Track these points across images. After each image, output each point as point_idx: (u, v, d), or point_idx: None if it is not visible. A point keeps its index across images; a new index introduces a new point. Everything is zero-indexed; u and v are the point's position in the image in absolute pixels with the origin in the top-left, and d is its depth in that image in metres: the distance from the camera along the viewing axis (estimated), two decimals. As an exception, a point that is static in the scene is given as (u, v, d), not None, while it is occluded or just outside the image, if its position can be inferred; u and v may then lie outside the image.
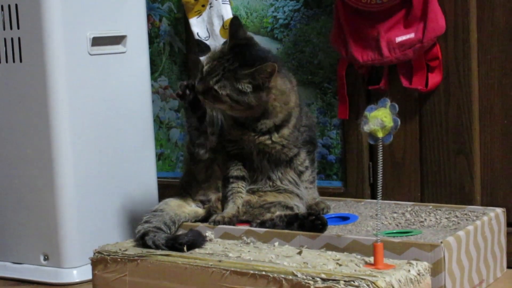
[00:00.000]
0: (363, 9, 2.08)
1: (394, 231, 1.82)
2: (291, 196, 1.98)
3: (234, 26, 1.94)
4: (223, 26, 2.38)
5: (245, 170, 1.99)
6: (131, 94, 2.30)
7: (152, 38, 2.59)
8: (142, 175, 2.33)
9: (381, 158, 1.60)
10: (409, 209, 2.02)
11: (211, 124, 1.98)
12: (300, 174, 2.02)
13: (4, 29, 2.13)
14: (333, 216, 2.00)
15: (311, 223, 1.83)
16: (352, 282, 1.48)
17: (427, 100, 2.12)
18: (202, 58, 2.40)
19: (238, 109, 1.90)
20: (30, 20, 2.09)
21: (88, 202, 2.15)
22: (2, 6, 2.12)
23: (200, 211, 2.02)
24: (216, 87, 1.87)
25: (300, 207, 1.98)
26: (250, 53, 1.90)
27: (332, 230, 1.86)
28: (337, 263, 1.61)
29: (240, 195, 1.97)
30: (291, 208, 1.95)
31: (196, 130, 1.96)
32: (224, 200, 1.98)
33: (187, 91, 1.93)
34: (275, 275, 1.56)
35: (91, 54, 2.16)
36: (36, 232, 2.15)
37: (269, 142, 1.94)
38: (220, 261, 1.66)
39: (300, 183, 2.01)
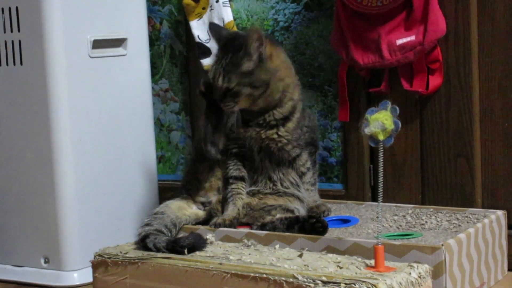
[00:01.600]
0: (363, 12, 2.08)
1: (395, 234, 1.82)
2: (291, 200, 1.98)
3: (214, 30, 2.02)
4: (223, 28, 2.38)
5: (244, 170, 1.99)
6: (131, 97, 2.30)
7: (153, 40, 2.59)
8: (142, 177, 2.33)
9: (381, 160, 1.60)
10: (410, 211, 2.02)
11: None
12: (301, 175, 2.02)
13: (4, 31, 2.14)
14: (334, 218, 2.00)
15: (311, 225, 1.82)
16: (353, 285, 1.48)
17: (428, 103, 2.12)
18: (203, 61, 2.41)
19: (257, 95, 1.90)
20: (31, 22, 2.09)
21: (88, 204, 2.15)
22: (2, 9, 2.13)
23: (201, 213, 2.02)
24: (224, 83, 1.89)
25: (301, 210, 1.98)
26: (238, 41, 1.93)
27: (333, 232, 1.86)
28: (338, 266, 1.60)
29: (241, 197, 1.97)
30: (292, 211, 1.95)
31: (213, 128, 1.97)
32: (224, 202, 1.98)
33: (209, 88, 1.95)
34: (276, 277, 1.56)
35: (91, 57, 2.16)
36: (37, 235, 2.15)
37: (275, 136, 1.94)
38: (220, 263, 1.66)
39: (301, 184, 2.01)
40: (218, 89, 1.91)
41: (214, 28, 2.03)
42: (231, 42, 1.94)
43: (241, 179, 1.99)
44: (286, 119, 1.95)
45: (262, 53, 1.88)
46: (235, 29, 2.37)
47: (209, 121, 1.97)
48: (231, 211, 1.94)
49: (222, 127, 1.98)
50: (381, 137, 1.58)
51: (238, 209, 1.95)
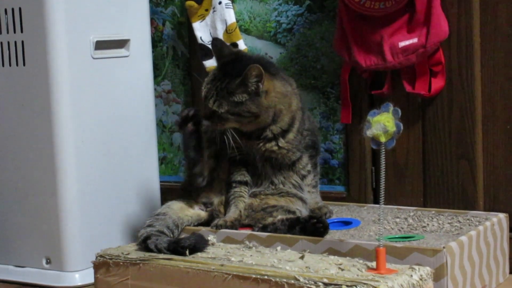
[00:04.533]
0: (366, 14, 2.08)
1: (397, 236, 1.82)
2: (293, 200, 1.98)
3: (216, 47, 1.99)
4: (226, 30, 2.38)
5: (248, 175, 2.00)
6: (134, 98, 2.30)
7: (156, 42, 2.59)
8: (145, 178, 2.33)
9: (383, 162, 1.60)
10: (411, 214, 2.02)
11: (211, 145, 1.99)
12: (302, 178, 2.02)
13: (7, 32, 2.14)
14: (335, 220, 2.00)
15: (312, 226, 1.83)
16: (354, 287, 1.48)
17: (430, 105, 2.12)
18: (205, 62, 2.41)
19: (245, 122, 1.91)
20: (34, 23, 2.09)
21: (90, 205, 2.15)
22: (6, 10, 2.13)
23: (203, 214, 2.02)
24: (214, 107, 1.89)
25: (303, 211, 1.98)
26: (238, 65, 1.91)
27: (335, 234, 1.86)
28: (340, 268, 1.60)
29: (242, 199, 1.97)
30: (294, 212, 1.95)
31: (192, 160, 1.98)
32: (226, 205, 1.98)
33: (187, 122, 1.97)
34: (277, 279, 1.56)
35: (94, 58, 2.17)
36: (39, 236, 2.15)
37: (275, 148, 1.95)
38: (222, 265, 1.66)
39: (304, 187, 2.01)
40: (207, 108, 1.91)
41: (216, 45, 2.00)
42: (231, 65, 1.93)
43: (244, 183, 1.99)
44: (285, 131, 1.95)
45: (259, 88, 1.87)
46: (237, 31, 2.37)
47: (188, 155, 2.00)
48: (232, 213, 1.94)
49: (201, 157, 1.99)
50: (383, 139, 1.58)
51: (240, 211, 1.95)
